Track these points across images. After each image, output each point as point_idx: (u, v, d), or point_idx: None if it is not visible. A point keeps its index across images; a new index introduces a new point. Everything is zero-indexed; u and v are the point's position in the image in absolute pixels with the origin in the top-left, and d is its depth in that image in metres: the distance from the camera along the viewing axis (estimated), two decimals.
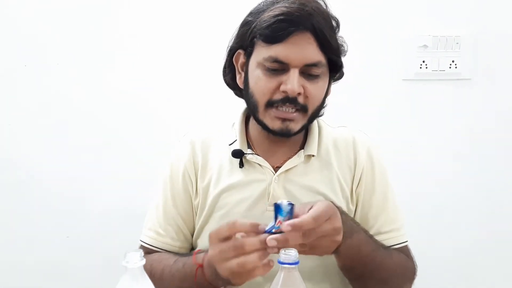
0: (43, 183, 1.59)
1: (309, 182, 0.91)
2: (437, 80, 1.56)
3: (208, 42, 1.53)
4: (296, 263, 0.62)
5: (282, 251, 0.62)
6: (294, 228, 0.66)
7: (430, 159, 1.59)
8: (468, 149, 1.59)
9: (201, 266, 0.77)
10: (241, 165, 0.92)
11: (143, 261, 0.59)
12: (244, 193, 0.90)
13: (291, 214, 0.68)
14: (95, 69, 1.55)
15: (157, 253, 0.93)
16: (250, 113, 0.93)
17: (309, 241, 0.69)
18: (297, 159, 0.92)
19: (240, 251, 0.68)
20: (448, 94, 1.57)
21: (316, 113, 0.91)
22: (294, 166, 0.91)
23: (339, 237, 0.72)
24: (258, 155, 0.92)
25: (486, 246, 1.60)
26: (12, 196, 1.60)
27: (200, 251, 0.82)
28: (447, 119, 1.58)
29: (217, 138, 0.97)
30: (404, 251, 0.94)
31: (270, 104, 0.86)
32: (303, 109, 0.86)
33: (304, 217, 0.67)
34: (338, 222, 0.71)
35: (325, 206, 0.69)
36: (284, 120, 0.86)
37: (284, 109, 0.85)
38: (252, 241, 0.68)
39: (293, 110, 0.85)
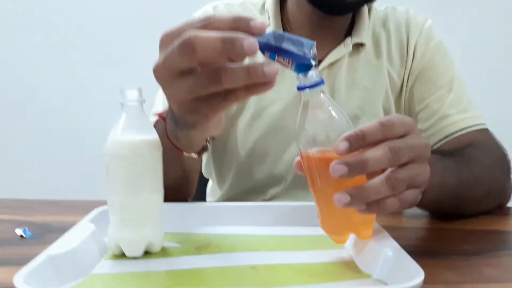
0: (47, 101, 1.53)
1: (357, 78, 0.79)
2: None
3: None
4: (320, 83, 0.45)
5: (300, 75, 0.45)
6: (353, 139, 0.42)
7: None
8: None
9: (163, 118, 0.60)
10: None
11: (143, 100, 0.49)
12: (280, 91, 0.78)
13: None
14: None
15: None
16: None
17: (400, 173, 0.43)
18: (344, 49, 0.79)
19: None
20: None
21: None
22: (340, 58, 0.79)
23: (428, 165, 0.47)
24: None
25: None
26: (15, 115, 1.54)
27: None
28: None
29: None
30: (486, 138, 0.76)
31: None
32: None
33: (366, 124, 0.44)
34: (423, 137, 0.48)
35: (397, 115, 0.47)
36: None
37: None
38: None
39: None
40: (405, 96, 0.82)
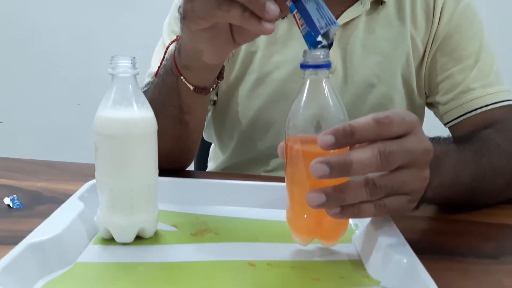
0: (50, 45, 1.46)
1: (374, 41, 0.71)
2: None
3: None
4: (325, 66, 0.41)
5: (307, 51, 0.42)
6: (339, 134, 0.37)
7: None
8: None
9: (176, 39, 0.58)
10: None
11: (137, 72, 0.43)
12: (286, 54, 0.71)
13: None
14: None
15: None
16: None
17: (386, 178, 0.39)
18: (360, 7, 0.70)
19: None
20: None
21: None
22: (356, 18, 0.71)
23: (427, 171, 0.42)
24: None
25: None
26: (18, 57, 1.48)
27: None
28: None
29: None
30: (510, 116, 0.69)
31: None
32: None
33: (359, 119, 0.39)
34: (426, 140, 0.42)
35: (398, 110, 0.42)
36: None
37: None
38: None
39: None
40: (426, 64, 0.74)
